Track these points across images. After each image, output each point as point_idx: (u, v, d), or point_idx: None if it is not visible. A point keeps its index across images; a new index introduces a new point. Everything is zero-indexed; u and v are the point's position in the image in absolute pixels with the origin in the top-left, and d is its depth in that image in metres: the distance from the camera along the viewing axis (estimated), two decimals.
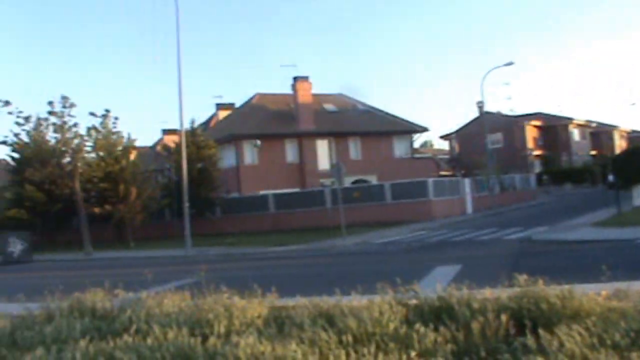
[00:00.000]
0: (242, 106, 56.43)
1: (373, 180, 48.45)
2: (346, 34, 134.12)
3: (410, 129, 55.47)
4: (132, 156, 42.39)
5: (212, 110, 62.28)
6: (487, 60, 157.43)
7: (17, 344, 7.44)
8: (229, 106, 60.08)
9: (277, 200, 43.24)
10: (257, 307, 7.91)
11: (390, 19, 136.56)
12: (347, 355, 5.79)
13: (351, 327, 6.54)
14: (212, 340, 6.35)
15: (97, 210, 40.07)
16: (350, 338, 6.23)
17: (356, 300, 8.20)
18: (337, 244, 28.84)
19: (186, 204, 32.21)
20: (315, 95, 51.90)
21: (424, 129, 56.15)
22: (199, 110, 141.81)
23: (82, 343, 6.45)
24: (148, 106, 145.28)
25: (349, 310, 7.29)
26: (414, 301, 7.79)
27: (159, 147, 58.70)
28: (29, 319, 8.80)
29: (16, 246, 34.21)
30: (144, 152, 54.47)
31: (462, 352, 6.06)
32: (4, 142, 39.97)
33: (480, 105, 65.88)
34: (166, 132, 63.72)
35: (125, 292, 9.65)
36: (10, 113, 37.43)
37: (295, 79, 50.64)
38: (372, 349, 5.87)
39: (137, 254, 33.19)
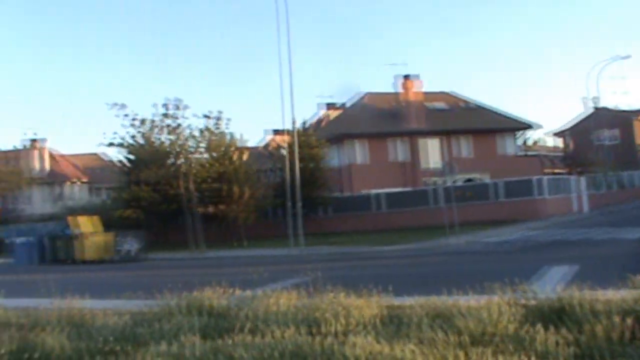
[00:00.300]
0: (352, 106, 56.46)
1: (485, 178, 47.75)
2: (452, 30, 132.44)
3: (518, 126, 54.41)
4: (244, 156, 42.92)
5: (321, 110, 62.46)
6: (593, 54, 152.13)
7: (137, 339, 7.60)
8: (334, 106, 60.20)
9: (387, 200, 43.14)
10: (372, 306, 7.88)
11: (495, 13, 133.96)
12: (466, 356, 5.69)
13: (469, 327, 6.45)
14: (328, 339, 6.34)
15: (209, 210, 40.78)
16: (468, 339, 6.14)
17: (473, 300, 8.08)
18: (447, 243, 28.52)
19: (297, 203, 32.43)
20: (423, 94, 51.54)
21: (532, 126, 55.04)
22: (308, 111, 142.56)
23: (201, 340, 6.56)
24: (258, 107, 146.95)
25: (466, 310, 7.19)
26: (532, 302, 7.63)
27: (269, 147, 59.30)
28: (148, 315, 9.00)
29: (132, 245, 35.10)
30: (254, 152, 55.06)
31: (585, 355, 5.87)
32: (121, 144, 41.04)
33: (595, 100, 64.07)
34: (276, 132, 64.21)
35: (240, 291, 9.75)
36: (126, 116, 38.49)
37: (401, 77, 50.45)
38: (491, 350, 5.77)
39: (248, 253, 33.60)
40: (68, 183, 72.12)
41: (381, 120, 50.30)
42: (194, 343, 6.42)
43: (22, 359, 7.14)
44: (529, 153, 60.69)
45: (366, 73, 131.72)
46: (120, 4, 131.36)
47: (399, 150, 49.63)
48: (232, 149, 41.45)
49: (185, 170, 38.95)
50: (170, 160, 39.86)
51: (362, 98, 55.34)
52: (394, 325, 7.16)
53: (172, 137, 38.51)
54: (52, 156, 73.53)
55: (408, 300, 8.71)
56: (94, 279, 24.02)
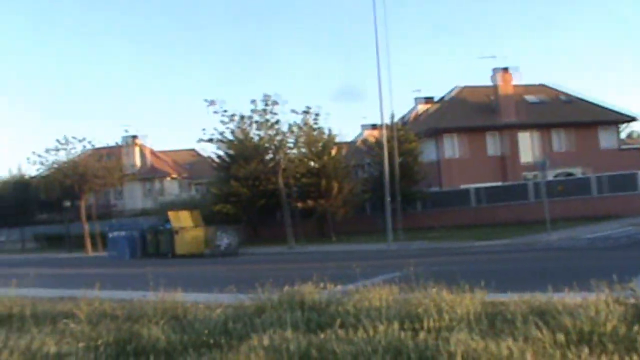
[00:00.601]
0: (448, 100, 55.88)
1: (578, 173, 46.69)
2: (549, 21, 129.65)
3: (620, 119, 52.86)
4: (334, 152, 42.97)
5: (418, 104, 62.11)
6: None
7: (235, 333, 7.65)
8: (430, 100, 59.76)
9: (479, 194, 42.60)
10: (467, 302, 7.74)
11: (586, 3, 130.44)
12: (563, 355, 5.52)
13: (566, 325, 6.27)
14: (422, 335, 6.25)
15: (300, 205, 40.99)
16: (564, 337, 5.97)
17: (569, 297, 7.88)
18: (542, 239, 28.02)
19: (388, 198, 32.33)
20: (517, 87, 50.60)
21: (632, 118, 53.45)
22: (404, 105, 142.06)
23: (295, 334, 6.55)
24: (350, 102, 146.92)
25: (563, 308, 7.00)
26: (632, 300, 7.37)
27: (359, 142, 59.26)
28: (245, 309, 9.07)
29: (223, 240, 35.54)
30: (345, 147, 55.13)
31: None
32: (219, 140, 41.55)
33: None
34: (373, 126, 64.17)
35: (335, 285, 9.74)
36: (215, 112, 38.96)
37: (497, 70, 49.71)
38: (589, 349, 5.58)
39: (339, 248, 33.65)
40: (166, 178, 73.53)
41: (478, 114, 49.66)
42: (291, 337, 6.41)
43: (123, 350, 7.29)
44: (634, 146, 58.79)
45: (462, 66, 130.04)
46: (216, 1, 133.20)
47: (491, 145, 48.93)
48: (329, 144, 41.56)
49: (282, 165, 39.17)
50: (268, 156, 40.12)
51: (458, 92, 54.76)
52: (491, 322, 7.02)
53: (269, 132, 38.75)
54: (150, 152, 75.10)
55: (506, 297, 8.55)
56: (191, 272, 24.44)
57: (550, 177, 35.23)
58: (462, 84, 54.90)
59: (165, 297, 9.78)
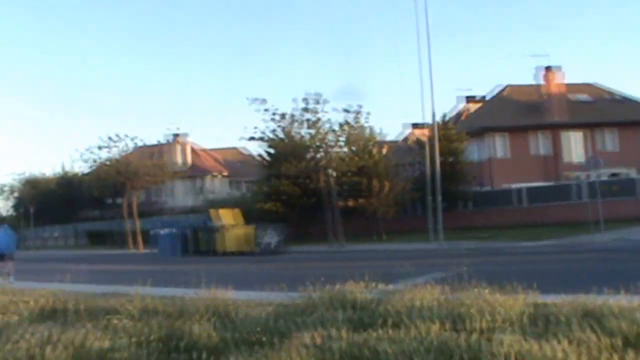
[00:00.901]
0: (492, 98, 55.44)
1: (631, 173, 45.99)
2: (594, 19, 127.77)
3: None
4: (383, 150, 42.92)
5: (460, 103, 61.71)
6: None
7: (281, 331, 7.68)
8: (472, 99, 59.38)
9: (529, 194, 42.21)
10: (518, 303, 7.66)
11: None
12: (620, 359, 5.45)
13: (622, 328, 6.18)
14: (474, 335, 6.20)
15: (349, 203, 41.05)
16: (621, 341, 5.88)
17: (625, 300, 7.76)
18: (593, 239, 27.70)
19: (438, 197, 32.22)
20: (566, 85, 50.05)
21: None
22: (446, 104, 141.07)
23: (343, 333, 6.55)
24: (397, 101, 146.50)
25: (619, 311, 6.90)
26: None
27: (409, 141, 59.09)
28: (290, 307, 9.08)
29: (272, 238, 35.68)
30: (394, 146, 54.97)
31: None
32: (261, 139, 41.70)
33: None
34: (415, 126, 63.97)
35: (381, 284, 9.71)
36: (266, 110, 39.09)
37: (546, 69, 49.22)
38: None
39: (388, 247, 33.61)
40: (209, 177, 74.00)
41: (522, 113, 49.15)
42: (339, 336, 6.41)
43: (174, 346, 7.36)
44: None
45: (507, 65, 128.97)
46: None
47: (540, 144, 48.41)
48: (371, 142, 41.51)
49: (325, 164, 39.19)
50: (310, 154, 40.16)
51: (502, 90, 54.34)
52: (541, 324, 6.94)
53: (311, 131, 38.76)
54: (193, 150, 75.65)
55: (555, 298, 8.43)
56: (236, 270, 24.52)
57: (601, 177, 34.74)
58: (505, 83, 54.59)
59: (215, 295, 9.85)
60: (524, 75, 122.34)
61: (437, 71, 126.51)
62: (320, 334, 6.50)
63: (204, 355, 6.76)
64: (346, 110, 38.19)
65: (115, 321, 8.65)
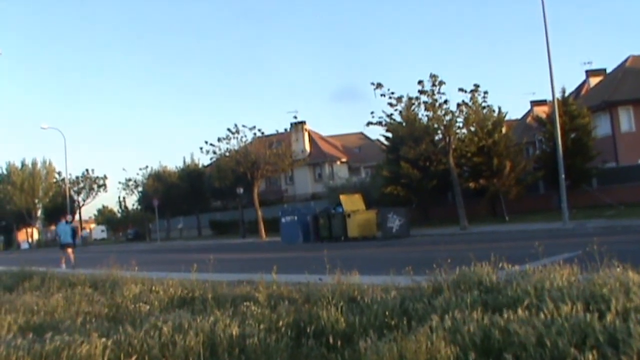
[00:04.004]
0: (615, 70, 53.63)
1: None
2: None
3: None
4: (504, 129, 42.18)
5: (582, 77, 60.26)
6: None
7: (408, 314, 7.62)
8: (600, 72, 57.68)
9: None
10: None
11: None
12: None
13: None
14: (608, 316, 5.98)
15: (471, 185, 40.58)
16: None
17: None
18: None
19: (562, 176, 31.47)
20: None
21: None
22: (567, 79, 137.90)
23: (475, 314, 6.43)
24: (516, 78, 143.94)
25: None
26: None
27: (529, 119, 58.01)
28: (417, 291, 9.01)
29: (394, 222, 35.55)
30: (514, 124, 54.05)
31: None
32: (379, 123, 41.55)
33: None
34: (535, 103, 62.89)
35: (508, 266, 9.50)
36: (382, 95, 38.83)
37: None
38: None
39: (512, 228, 33.03)
40: (335, 163, 74.50)
41: None
42: (468, 318, 6.30)
43: (303, 331, 7.41)
44: None
45: (633, 34, 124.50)
46: None
47: None
48: (500, 121, 40.86)
49: (443, 145, 38.80)
50: (437, 136, 39.78)
51: (624, 62, 52.37)
52: None
53: (429, 113, 38.33)
54: (312, 138, 76.25)
55: None
56: (364, 255, 24.58)
57: None
58: (636, 53, 52.46)
59: (342, 280, 9.86)
60: None
61: (566, 47, 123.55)
62: (450, 317, 6.41)
63: (334, 340, 6.79)
64: (462, 90, 37.48)
65: (243, 308, 8.78)
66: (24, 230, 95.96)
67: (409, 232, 35.64)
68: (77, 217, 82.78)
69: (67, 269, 23.52)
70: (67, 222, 30.45)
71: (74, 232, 29.80)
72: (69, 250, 28.50)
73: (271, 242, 42.87)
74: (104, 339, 6.97)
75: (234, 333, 7.11)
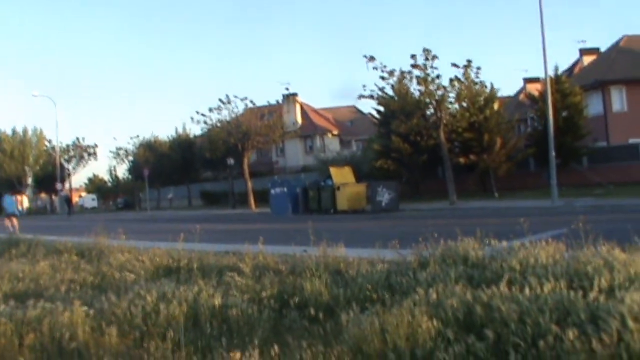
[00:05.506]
0: (608, 50, 53.49)
1: None
2: None
3: None
4: (496, 106, 42.14)
5: (575, 55, 60.22)
6: None
7: (393, 288, 7.63)
8: (594, 51, 57.57)
9: None
10: (639, 261, 7.35)
11: None
12: None
13: None
14: (592, 294, 5.98)
15: (461, 160, 40.63)
16: None
17: None
18: None
19: (552, 154, 31.48)
20: None
21: None
22: (561, 57, 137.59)
23: (459, 289, 6.43)
24: (509, 55, 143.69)
25: None
26: None
27: (521, 96, 57.97)
28: (402, 265, 9.01)
29: (384, 195, 35.59)
30: (506, 101, 53.98)
31: None
32: (371, 97, 41.41)
33: None
34: (528, 80, 62.82)
35: (495, 242, 9.51)
36: (375, 68, 38.61)
37: None
38: None
39: (501, 204, 33.08)
40: (326, 135, 74.41)
41: None
42: (452, 292, 6.30)
43: (286, 303, 7.46)
44: None
45: (628, 14, 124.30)
46: None
47: None
48: (482, 98, 40.77)
49: (434, 120, 38.73)
50: (429, 111, 39.66)
51: (618, 41, 52.20)
52: None
53: (421, 87, 38.20)
54: (303, 110, 76.09)
55: None
56: (352, 228, 24.61)
57: None
58: (630, 33, 52.30)
59: (328, 252, 9.86)
60: None
61: (560, 25, 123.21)
62: (434, 291, 6.40)
63: (316, 312, 6.79)
64: (454, 65, 37.33)
65: (227, 279, 8.78)
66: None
67: (398, 206, 35.69)
68: (67, 185, 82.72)
69: (12, 234, 25.46)
70: (12, 195, 36.04)
71: (17, 204, 35.14)
72: (14, 219, 32.19)
73: (261, 214, 42.86)
74: (86, 307, 6.97)
75: (216, 303, 7.12)
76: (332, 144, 72.11)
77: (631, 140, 42.27)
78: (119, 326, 6.55)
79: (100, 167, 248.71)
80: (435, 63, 37.16)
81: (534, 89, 48.30)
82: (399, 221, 27.37)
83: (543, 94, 35.71)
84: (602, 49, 56.06)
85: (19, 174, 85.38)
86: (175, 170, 71.22)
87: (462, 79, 37.90)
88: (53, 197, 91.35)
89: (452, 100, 39.14)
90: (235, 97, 53.74)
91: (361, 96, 41.27)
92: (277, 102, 71.24)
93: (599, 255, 7.53)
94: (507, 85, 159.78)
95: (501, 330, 5.31)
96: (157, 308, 6.89)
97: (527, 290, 6.22)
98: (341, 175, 37.94)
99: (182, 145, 72.31)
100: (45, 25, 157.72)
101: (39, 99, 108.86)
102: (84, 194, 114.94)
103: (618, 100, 45.80)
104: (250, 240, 11.55)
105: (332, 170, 38.57)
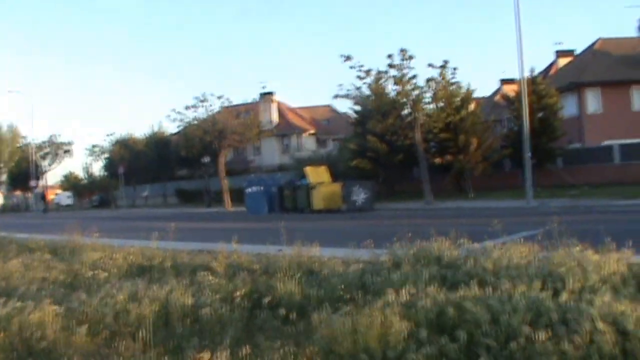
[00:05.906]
0: (584, 52, 53.86)
1: None
2: None
3: None
4: (472, 106, 42.27)
5: (551, 58, 60.54)
6: None
7: (366, 288, 7.63)
8: (569, 53, 57.92)
9: (623, 151, 40.76)
10: (611, 263, 7.37)
11: None
12: None
13: None
14: (563, 295, 6.00)
15: (437, 160, 40.76)
16: None
17: None
18: None
19: (528, 154, 31.61)
20: None
21: None
22: (537, 59, 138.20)
23: (432, 290, 6.43)
24: (485, 56, 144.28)
25: None
26: None
27: (497, 97, 58.19)
28: (377, 265, 9.00)
29: (359, 195, 35.54)
30: (482, 102, 54.14)
31: None
32: (347, 96, 41.38)
33: None
34: (504, 81, 63.14)
35: (469, 242, 9.52)
36: (351, 67, 38.61)
37: None
38: None
39: (477, 204, 33.20)
40: (302, 134, 74.30)
41: (622, 67, 47.21)
42: (425, 293, 6.29)
43: (258, 302, 7.44)
44: None
45: (603, 18, 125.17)
46: None
47: (636, 99, 46.58)
48: (458, 98, 40.88)
49: (410, 120, 38.77)
50: (405, 111, 39.68)
51: (593, 44, 52.59)
52: (636, 285, 6.68)
53: (398, 87, 38.22)
54: (280, 109, 76.00)
55: None
56: (327, 227, 24.55)
57: None
58: (599, 36, 52.80)
59: (302, 252, 9.85)
60: (623, 28, 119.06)
61: (536, 27, 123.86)
62: (407, 291, 6.39)
63: (288, 313, 6.76)
64: (431, 65, 37.42)
65: (200, 278, 8.73)
66: None
67: (374, 206, 35.65)
68: (42, 182, 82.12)
69: None
70: None
71: None
72: None
73: (236, 212, 42.73)
74: (56, 306, 6.90)
75: (188, 302, 7.08)
76: (309, 143, 72.03)
77: (606, 142, 42.58)
78: (89, 325, 6.48)
79: (76, 164, 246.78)
80: (412, 63, 37.24)
81: (510, 90, 48.51)
82: (374, 221, 27.33)
83: (519, 95, 35.83)
84: (578, 52, 56.41)
85: None
86: (151, 168, 70.91)
87: (439, 79, 37.99)
88: (28, 194, 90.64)
89: (429, 100, 39.29)
90: (212, 95, 53.74)
91: (337, 95, 41.30)
92: (254, 100, 71.14)
93: (572, 257, 7.56)
94: (483, 86, 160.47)
95: (474, 331, 5.30)
96: (128, 307, 6.84)
97: (499, 291, 6.23)
98: (317, 175, 37.87)
99: (158, 143, 72.03)
100: (19, 20, 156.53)
101: (14, 95, 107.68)
102: (59, 191, 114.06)
103: (593, 102, 46.13)
104: (225, 239, 11.51)
105: (308, 170, 38.48)
